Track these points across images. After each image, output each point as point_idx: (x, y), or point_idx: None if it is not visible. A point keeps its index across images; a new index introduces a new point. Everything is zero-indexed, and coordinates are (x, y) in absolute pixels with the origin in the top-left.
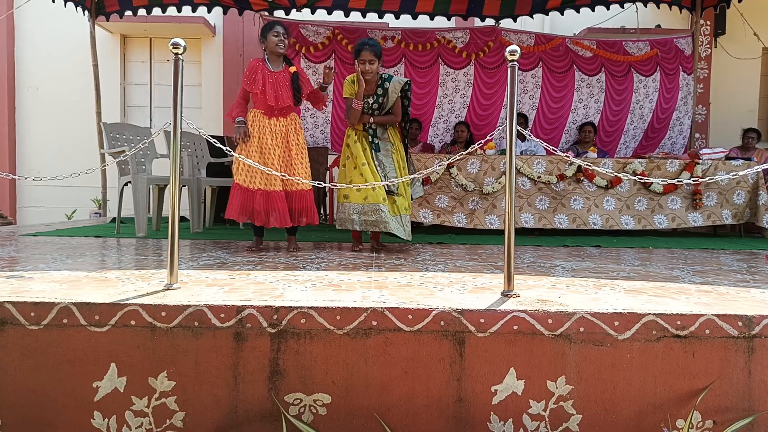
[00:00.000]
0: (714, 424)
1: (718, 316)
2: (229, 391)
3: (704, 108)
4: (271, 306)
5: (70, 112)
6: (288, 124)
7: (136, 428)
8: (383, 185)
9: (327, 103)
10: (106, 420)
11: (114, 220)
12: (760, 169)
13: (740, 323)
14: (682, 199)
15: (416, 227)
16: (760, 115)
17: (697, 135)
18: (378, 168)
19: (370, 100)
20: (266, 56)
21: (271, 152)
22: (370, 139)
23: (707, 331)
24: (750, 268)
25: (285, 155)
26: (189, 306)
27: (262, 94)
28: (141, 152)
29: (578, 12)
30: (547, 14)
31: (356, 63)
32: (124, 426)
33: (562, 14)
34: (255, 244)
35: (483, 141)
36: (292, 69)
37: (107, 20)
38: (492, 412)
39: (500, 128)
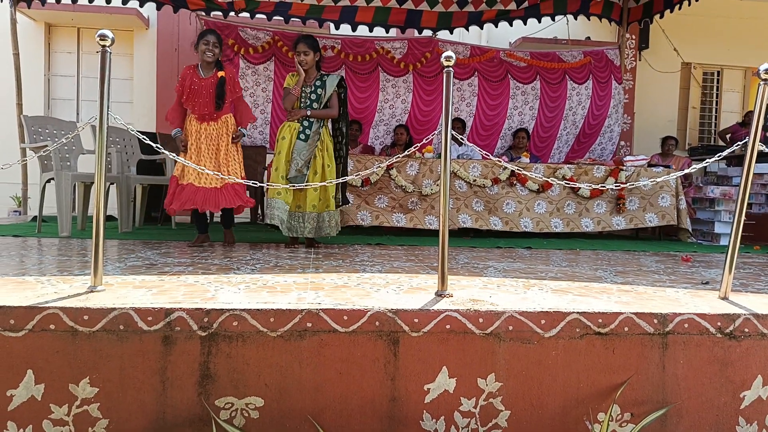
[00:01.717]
0: (632, 416)
1: (636, 314)
2: (156, 397)
3: (629, 117)
4: (201, 308)
5: None
6: (219, 127)
7: None
8: (293, 187)
9: (254, 119)
10: (21, 430)
11: (35, 218)
12: (679, 175)
13: (656, 321)
14: (607, 204)
15: (356, 228)
16: (679, 125)
17: (622, 143)
18: (292, 161)
19: (308, 90)
20: (199, 63)
21: (204, 155)
22: (301, 129)
23: (626, 329)
24: (667, 269)
25: (216, 157)
26: (114, 309)
27: (187, 102)
28: (66, 148)
29: (511, 25)
30: (482, 27)
31: (294, 56)
32: None
33: (497, 26)
34: (197, 240)
35: (420, 144)
36: (220, 74)
37: (29, 7)
38: (425, 411)
39: (436, 133)
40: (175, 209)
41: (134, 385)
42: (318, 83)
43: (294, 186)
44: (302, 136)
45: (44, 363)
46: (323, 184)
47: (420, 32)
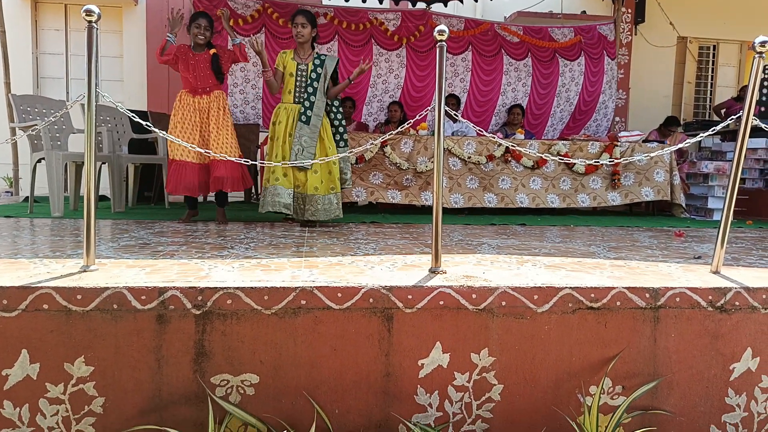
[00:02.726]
0: (623, 389)
1: (628, 288)
2: (152, 375)
3: (624, 93)
4: (195, 287)
5: None
6: (210, 101)
7: (51, 416)
8: (285, 165)
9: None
10: (18, 409)
11: (27, 199)
12: (672, 150)
13: (647, 295)
14: (602, 179)
15: (350, 206)
16: (674, 100)
17: (617, 118)
18: (294, 145)
19: (304, 67)
20: (191, 44)
21: (193, 127)
22: (302, 110)
23: (618, 303)
24: (660, 244)
25: (205, 129)
26: (107, 288)
27: (184, 72)
28: (56, 127)
29: None
30: (477, 0)
31: (292, 28)
32: (38, 414)
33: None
34: (187, 217)
35: (413, 120)
36: (212, 51)
37: None
38: (419, 385)
39: (430, 109)
40: (173, 192)
41: (129, 363)
42: (317, 62)
43: (289, 164)
44: (303, 118)
45: (39, 342)
46: (317, 161)
47: (414, 5)
